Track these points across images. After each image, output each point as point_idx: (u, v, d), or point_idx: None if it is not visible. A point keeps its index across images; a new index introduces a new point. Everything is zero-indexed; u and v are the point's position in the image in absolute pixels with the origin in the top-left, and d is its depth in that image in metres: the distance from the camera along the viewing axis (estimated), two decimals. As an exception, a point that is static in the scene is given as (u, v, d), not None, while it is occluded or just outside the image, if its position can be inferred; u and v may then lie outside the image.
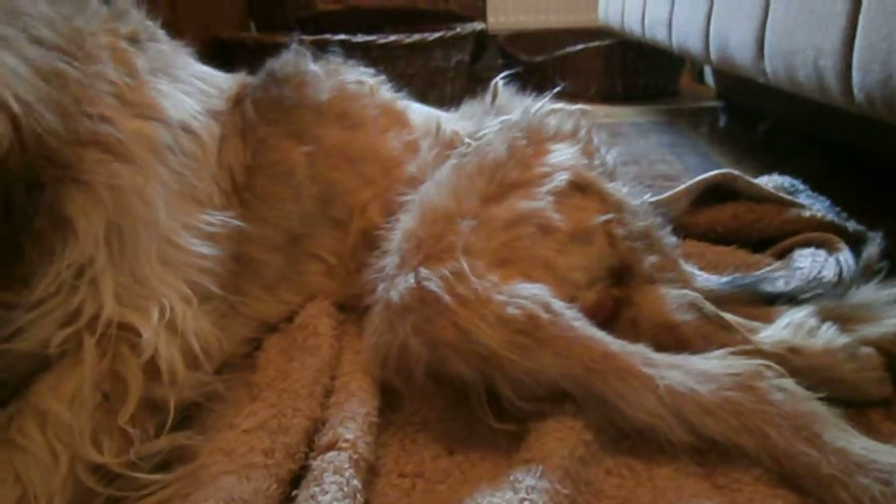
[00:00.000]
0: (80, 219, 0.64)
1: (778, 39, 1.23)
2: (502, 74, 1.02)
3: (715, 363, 0.67)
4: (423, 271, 0.73)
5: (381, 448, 0.72)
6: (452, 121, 1.02)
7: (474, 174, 0.82)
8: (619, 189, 0.85)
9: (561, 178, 0.82)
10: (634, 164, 1.86)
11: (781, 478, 0.63)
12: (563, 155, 0.85)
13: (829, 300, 0.80)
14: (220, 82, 0.94)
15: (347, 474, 0.62)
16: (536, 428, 0.69)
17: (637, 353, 0.69)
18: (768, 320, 0.80)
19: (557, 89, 0.97)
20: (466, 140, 0.91)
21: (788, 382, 0.65)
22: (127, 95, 0.75)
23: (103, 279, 0.64)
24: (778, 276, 0.86)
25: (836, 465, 0.60)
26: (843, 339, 0.76)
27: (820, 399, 0.68)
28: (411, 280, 0.73)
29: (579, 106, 0.96)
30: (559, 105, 0.95)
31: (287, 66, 0.97)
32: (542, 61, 3.00)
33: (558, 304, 0.71)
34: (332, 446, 0.65)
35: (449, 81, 2.58)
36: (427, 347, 0.71)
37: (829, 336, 0.76)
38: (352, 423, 0.68)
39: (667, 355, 0.69)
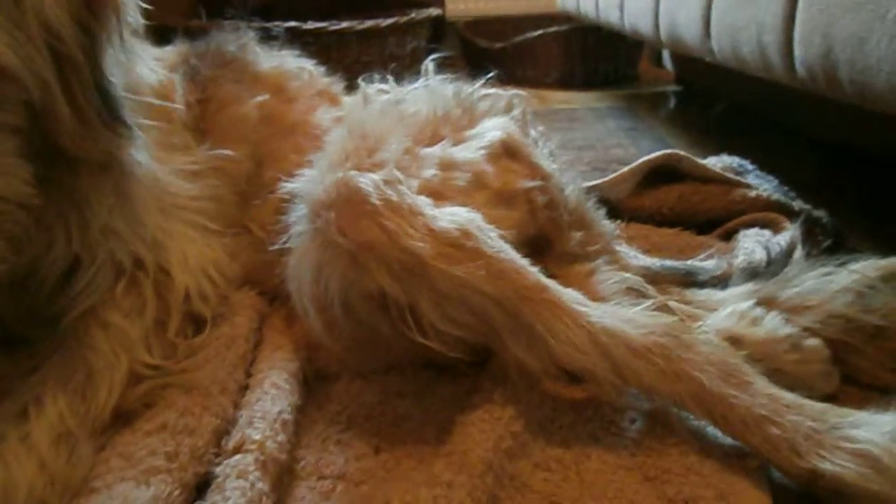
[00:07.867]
0: (92, 193, 0.71)
1: (723, 16, 1.20)
2: (433, 56, 0.97)
3: (643, 313, 0.65)
4: (353, 172, 0.67)
5: (303, 449, 0.68)
6: None
7: (406, 117, 0.77)
8: (548, 162, 0.81)
9: (493, 136, 0.78)
10: (590, 148, 1.83)
11: (712, 469, 0.60)
12: (496, 122, 0.82)
13: (760, 282, 0.77)
14: (163, 51, 0.98)
15: (252, 478, 0.57)
16: (462, 420, 0.65)
17: (568, 292, 0.65)
18: (709, 308, 0.77)
19: (492, 75, 0.93)
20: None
21: (714, 337, 0.63)
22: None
23: (125, 236, 0.75)
24: (708, 266, 0.83)
25: (768, 407, 0.58)
26: (787, 330, 0.73)
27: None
28: (339, 174, 0.67)
29: (514, 91, 0.93)
30: (493, 89, 0.91)
31: (229, 36, 1.02)
32: (501, 48, 2.96)
33: (493, 231, 0.67)
34: (237, 449, 0.61)
35: (405, 68, 2.52)
36: (347, 251, 0.64)
37: (772, 325, 0.73)
38: (261, 423, 0.64)
39: (597, 303, 0.66)
